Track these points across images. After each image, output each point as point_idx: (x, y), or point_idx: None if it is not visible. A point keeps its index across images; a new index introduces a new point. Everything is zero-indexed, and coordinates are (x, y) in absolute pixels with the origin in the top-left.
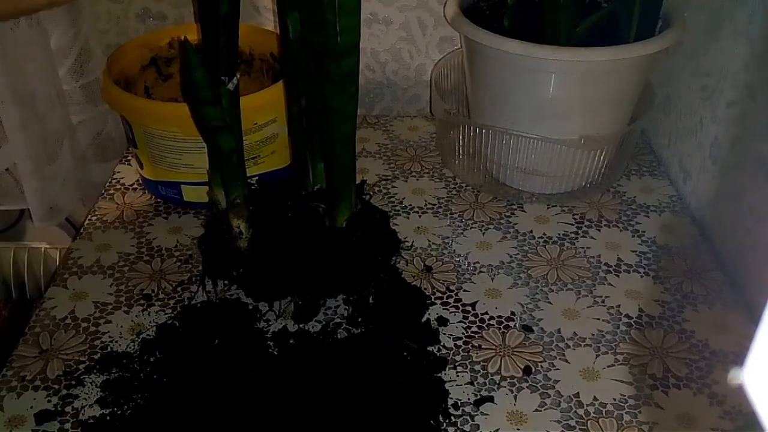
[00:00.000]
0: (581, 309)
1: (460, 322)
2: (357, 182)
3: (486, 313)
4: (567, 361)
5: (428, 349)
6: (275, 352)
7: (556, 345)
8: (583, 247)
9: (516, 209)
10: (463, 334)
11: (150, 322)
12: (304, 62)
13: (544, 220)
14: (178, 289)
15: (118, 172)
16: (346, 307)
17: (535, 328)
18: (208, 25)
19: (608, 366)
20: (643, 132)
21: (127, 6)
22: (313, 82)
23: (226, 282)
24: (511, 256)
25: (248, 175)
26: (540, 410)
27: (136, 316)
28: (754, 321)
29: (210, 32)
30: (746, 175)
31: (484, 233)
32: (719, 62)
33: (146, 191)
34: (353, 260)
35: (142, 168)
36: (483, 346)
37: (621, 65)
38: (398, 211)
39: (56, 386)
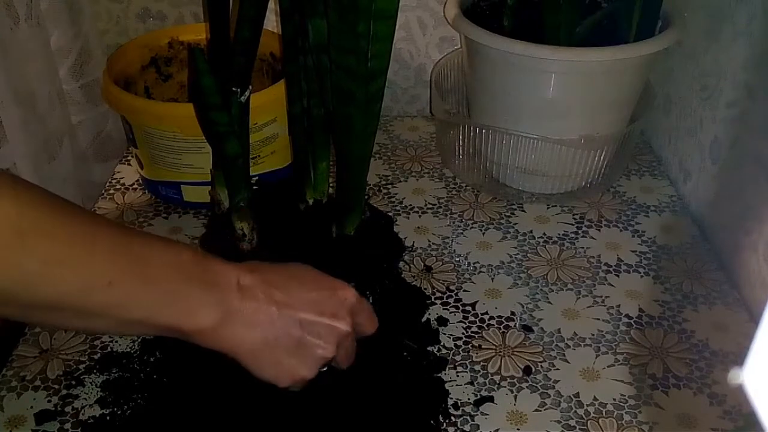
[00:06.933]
0: (581, 309)
1: (460, 322)
2: None
3: (486, 313)
4: (567, 361)
5: (428, 349)
6: None
7: (556, 345)
8: (583, 247)
9: (516, 209)
10: (463, 334)
11: None
12: (323, 70)
13: (544, 220)
14: None
15: (118, 172)
16: None
17: (535, 328)
18: (223, 42)
19: (608, 366)
20: (643, 132)
21: (127, 6)
22: (334, 98)
23: None
24: (511, 256)
25: None
26: (540, 410)
27: None
28: (754, 321)
29: (225, 49)
30: (746, 175)
31: (484, 233)
32: (719, 62)
33: (146, 191)
34: (361, 266)
35: (142, 168)
36: (483, 346)
37: (621, 65)
38: (398, 211)
39: (56, 386)
